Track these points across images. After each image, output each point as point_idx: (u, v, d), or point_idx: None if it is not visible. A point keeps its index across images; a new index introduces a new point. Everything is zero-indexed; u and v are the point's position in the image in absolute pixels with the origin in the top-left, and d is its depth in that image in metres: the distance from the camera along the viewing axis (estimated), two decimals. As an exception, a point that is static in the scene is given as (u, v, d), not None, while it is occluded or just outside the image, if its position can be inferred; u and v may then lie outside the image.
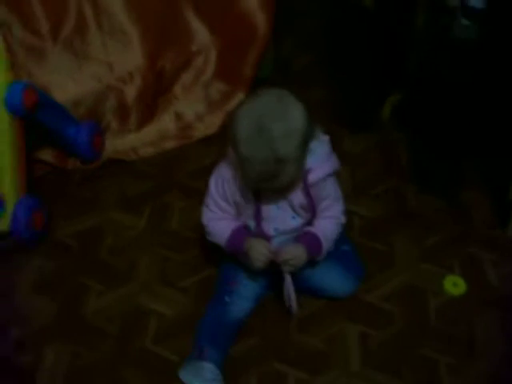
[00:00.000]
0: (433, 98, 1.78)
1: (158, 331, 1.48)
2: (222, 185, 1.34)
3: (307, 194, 1.32)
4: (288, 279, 1.38)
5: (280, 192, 1.31)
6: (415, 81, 1.88)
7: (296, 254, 1.33)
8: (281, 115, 1.19)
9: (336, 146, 1.80)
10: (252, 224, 1.37)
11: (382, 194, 1.83)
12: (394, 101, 2.00)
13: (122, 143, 2.02)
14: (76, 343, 1.46)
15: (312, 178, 1.31)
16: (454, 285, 1.56)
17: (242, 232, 1.37)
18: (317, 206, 1.36)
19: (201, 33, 2.07)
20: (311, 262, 1.39)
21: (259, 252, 1.31)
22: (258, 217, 1.34)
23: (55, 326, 1.51)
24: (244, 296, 1.43)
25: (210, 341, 1.36)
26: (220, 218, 1.38)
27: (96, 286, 1.59)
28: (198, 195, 1.50)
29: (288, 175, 1.22)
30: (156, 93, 2.05)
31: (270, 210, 1.35)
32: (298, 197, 1.33)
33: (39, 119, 1.73)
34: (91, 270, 1.64)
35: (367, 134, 2.05)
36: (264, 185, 1.25)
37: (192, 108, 2.10)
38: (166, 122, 2.08)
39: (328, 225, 1.38)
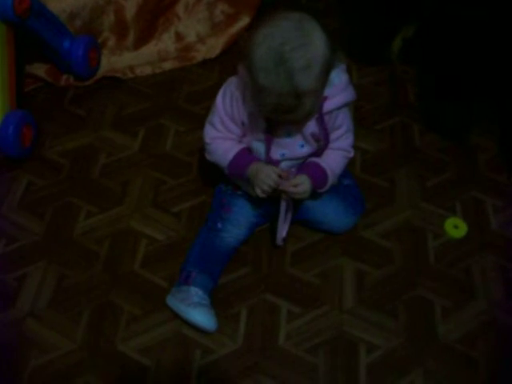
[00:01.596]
0: (447, 33, 1.68)
1: (148, 255, 1.44)
2: (230, 102, 1.25)
3: (321, 122, 1.25)
4: (284, 207, 1.32)
5: (295, 123, 1.24)
6: (430, 14, 1.78)
7: (302, 183, 1.26)
8: (302, 44, 1.08)
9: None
10: (257, 146, 1.29)
11: (386, 130, 1.76)
12: (405, 34, 1.90)
13: (118, 61, 1.92)
14: (63, 264, 1.43)
15: (327, 106, 1.23)
16: (455, 227, 1.52)
17: (247, 155, 1.29)
18: (329, 136, 1.29)
19: None
20: (313, 194, 1.33)
21: (268, 175, 1.23)
22: (268, 141, 1.26)
23: (42, 246, 1.47)
24: (237, 223, 1.38)
25: (198, 266, 1.33)
26: (224, 137, 1.29)
27: (86, 207, 1.54)
28: (195, 119, 1.44)
29: (306, 109, 1.14)
30: (157, 10, 1.93)
31: (280, 136, 1.26)
32: (310, 125, 1.25)
33: (31, 28, 1.63)
34: (82, 190, 1.58)
35: (376, 67, 1.95)
36: (279, 116, 1.17)
37: (194, 29, 1.99)
38: (165, 42, 1.97)
39: (336, 157, 1.32)
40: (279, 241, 1.39)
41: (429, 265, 1.44)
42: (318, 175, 1.29)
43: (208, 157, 1.34)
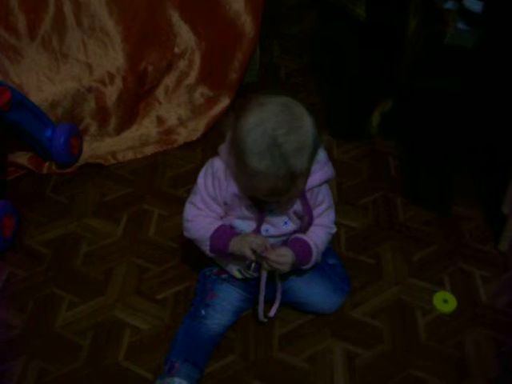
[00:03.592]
0: (424, 107, 1.72)
1: (132, 346, 1.40)
2: (211, 183, 1.25)
3: (303, 199, 1.25)
4: (264, 277, 1.30)
5: (281, 202, 1.24)
6: (406, 89, 1.82)
7: (284, 255, 1.26)
8: (294, 127, 1.10)
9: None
10: (239, 224, 1.29)
11: (369, 205, 1.76)
12: (383, 109, 1.94)
13: (100, 147, 1.94)
14: (45, 357, 1.38)
15: (309, 183, 1.23)
16: (444, 301, 1.50)
17: (229, 229, 1.28)
18: (312, 212, 1.29)
19: (185, 35, 2.00)
20: (298, 272, 1.31)
21: (255, 238, 1.24)
22: (258, 219, 1.27)
23: (23, 339, 1.42)
24: (221, 308, 1.36)
25: (181, 355, 1.29)
26: (205, 215, 1.29)
27: (68, 297, 1.51)
28: (178, 203, 1.43)
29: (299, 188, 1.17)
30: (137, 96, 1.97)
31: (267, 210, 1.27)
32: (293, 204, 1.26)
33: (12, 120, 1.65)
34: (64, 280, 1.55)
35: (356, 143, 1.98)
36: (271, 198, 1.18)
37: (175, 112, 2.02)
38: (147, 127, 2.00)
39: (319, 233, 1.32)
40: (261, 316, 1.36)
41: (420, 342, 1.41)
42: (302, 249, 1.29)
43: (187, 234, 1.33)
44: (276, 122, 1.09)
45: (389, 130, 1.96)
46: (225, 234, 1.28)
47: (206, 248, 1.31)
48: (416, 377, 1.34)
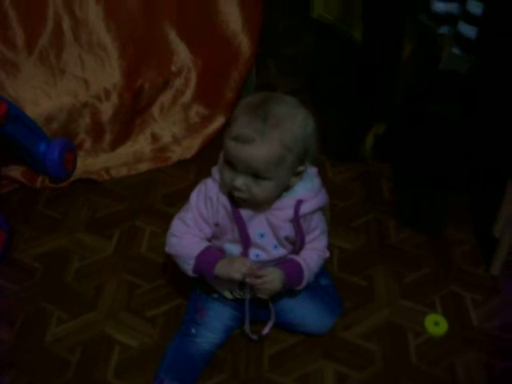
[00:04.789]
0: (417, 130, 1.73)
1: (121, 363, 1.39)
2: (204, 202, 1.25)
3: (296, 225, 1.25)
4: (247, 298, 1.31)
5: (260, 211, 1.23)
6: (399, 112, 1.84)
7: (271, 278, 1.25)
8: (289, 105, 1.16)
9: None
10: (230, 248, 1.28)
11: (362, 227, 1.76)
12: (377, 132, 1.95)
13: (94, 163, 1.94)
14: (33, 372, 1.37)
15: (303, 209, 1.24)
16: (435, 324, 1.50)
17: (215, 252, 1.28)
18: (304, 238, 1.29)
19: (182, 53, 2.01)
20: (290, 293, 1.32)
21: (241, 263, 1.23)
22: (244, 241, 1.25)
23: (12, 353, 1.41)
24: (212, 327, 1.35)
25: (171, 373, 1.29)
26: (193, 234, 1.28)
27: (58, 313, 1.50)
28: (170, 220, 1.41)
29: (266, 186, 1.15)
30: (133, 112, 1.97)
31: (253, 237, 1.26)
32: (285, 227, 1.25)
33: (8, 133, 1.65)
34: (54, 295, 1.54)
35: (349, 165, 1.99)
36: (237, 149, 1.14)
37: (169, 130, 2.03)
38: (141, 144, 2.00)
39: (312, 255, 1.31)
40: (248, 331, 1.36)
41: (411, 365, 1.41)
42: (293, 270, 1.28)
43: (170, 250, 1.31)
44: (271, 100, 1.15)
45: (382, 153, 1.98)
46: (212, 256, 1.27)
47: (189, 267, 1.29)
48: (406, 400, 1.34)
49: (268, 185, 1.16)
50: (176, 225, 1.31)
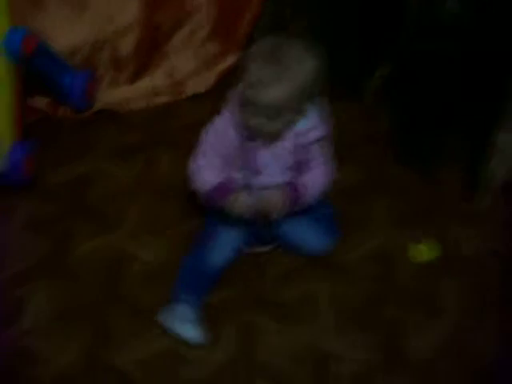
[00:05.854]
0: (421, 72, 1.84)
1: (142, 275, 1.57)
2: (214, 138, 1.40)
3: (297, 155, 1.41)
4: (268, 221, 1.46)
5: (266, 144, 1.38)
6: (406, 54, 1.94)
7: (271, 201, 1.40)
8: (299, 49, 1.29)
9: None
10: (240, 177, 1.44)
11: (362, 159, 1.91)
12: (382, 72, 2.06)
13: (114, 95, 2.06)
14: (65, 283, 1.54)
15: (303, 140, 1.39)
16: (425, 250, 1.65)
17: (227, 186, 1.42)
18: (308, 164, 1.44)
19: (200, -10, 2.10)
20: (293, 217, 1.48)
21: (243, 204, 1.39)
22: (251, 169, 1.42)
23: (45, 267, 1.58)
24: (223, 246, 1.51)
25: (187, 287, 1.46)
26: (210, 164, 1.43)
27: (85, 231, 1.66)
28: (186, 150, 1.55)
29: (280, 94, 1.26)
30: (151, 47, 2.08)
31: (260, 166, 1.42)
32: (287, 157, 1.41)
33: (36, 66, 1.77)
34: (81, 216, 1.70)
35: (354, 102, 2.10)
36: (256, 94, 1.27)
37: (186, 65, 2.14)
38: (158, 77, 2.11)
39: (312, 179, 1.45)
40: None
41: (399, 286, 1.58)
42: (292, 190, 1.42)
43: (193, 185, 1.47)
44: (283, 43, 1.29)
45: (386, 92, 2.09)
46: (225, 190, 1.41)
47: (206, 200, 1.46)
48: (394, 315, 1.52)
49: (279, 122, 1.31)
50: (192, 161, 1.46)
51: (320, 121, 1.41)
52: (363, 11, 2.02)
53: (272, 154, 1.40)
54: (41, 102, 1.99)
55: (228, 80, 2.08)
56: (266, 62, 1.25)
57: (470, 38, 1.51)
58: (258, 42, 1.32)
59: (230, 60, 2.16)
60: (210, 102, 2.06)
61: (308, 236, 1.57)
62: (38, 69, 1.79)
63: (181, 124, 2.00)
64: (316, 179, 1.46)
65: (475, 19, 1.50)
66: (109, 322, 1.47)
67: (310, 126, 1.39)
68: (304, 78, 1.27)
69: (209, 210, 1.55)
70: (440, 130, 1.85)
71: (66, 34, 1.95)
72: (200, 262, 1.50)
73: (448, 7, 1.50)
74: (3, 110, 1.68)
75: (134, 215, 1.71)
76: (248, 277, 1.57)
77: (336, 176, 1.75)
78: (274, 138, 1.37)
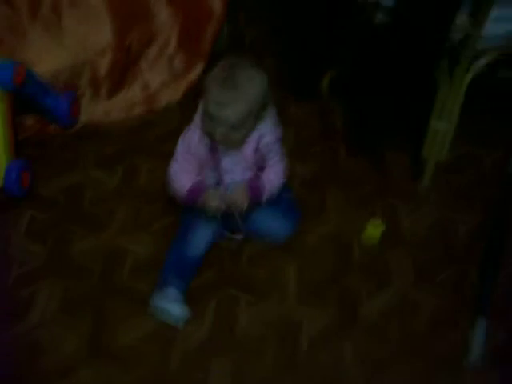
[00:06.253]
0: (361, 73, 2.10)
1: (134, 267, 1.80)
2: (188, 143, 1.65)
3: (258, 154, 1.66)
4: (236, 213, 1.70)
5: (231, 147, 1.63)
6: (348, 59, 2.21)
7: (238, 196, 1.65)
8: (248, 70, 1.54)
9: (283, 110, 2.18)
10: (213, 175, 1.69)
11: (319, 153, 2.17)
12: (332, 74, 2.33)
13: (95, 110, 2.29)
14: (66, 279, 1.75)
15: (264, 141, 1.65)
16: (375, 226, 1.90)
17: (199, 186, 1.67)
18: (266, 163, 1.70)
19: (164, 13, 2.33)
20: (258, 205, 1.73)
21: (213, 202, 1.64)
22: (219, 170, 1.67)
23: (47, 266, 1.79)
24: (200, 236, 1.75)
25: (172, 271, 1.69)
26: (184, 170, 1.68)
27: (80, 232, 1.89)
28: (163, 156, 1.78)
29: (238, 111, 1.51)
30: (125, 66, 2.31)
31: (228, 166, 1.68)
32: (251, 156, 1.67)
33: (24, 91, 1.98)
34: (76, 219, 1.93)
35: (309, 102, 2.38)
36: (218, 112, 1.51)
37: (157, 78, 2.38)
38: (134, 91, 2.35)
39: (272, 174, 1.71)
40: (243, 231, 1.78)
41: (354, 259, 1.84)
42: (254, 183, 1.68)
43: (171, 189, 1.72)
44: (236, 66, 1.54)
45: (336, 92, 2.36)
46: (198, 189, 1.66)
47: (183, 200, 1.70)
48: (350, 285, 1.77)
49: (241, 131, 1.58)
50: (171, 165, 1.70)
51: (274, 124, 1.67)
52: (313, 21, 2.27)
53: (235, 156, 1.66)
54: (31, 120, 2.21)
55: (197, 89, 2.33)
56: (222, 87, 1.50)
57: (400, 44, 1.77)
58: (215, 67, 1.56)
59: (197, 71, 2.41)
60: (182, 111, 2.32)
61: (272, 224, 1.82)
62: (26, 93, 2.01)
63: (158, 133, 2.25)
64: (274, 175, 1.71)
65: (403, 28, 1.75)
66: (107, 311, 1.68)
67: (267, 129, 1.64)
68: (256, 93, 1.53)
69: (186, 207, 1.80)
70: (384, 123, 2.11)
71: (47, 60, 2.18)
72: (182, 252, 1.74)
73: (378, 20, 1.76)
74: (-1, 133, 1.91)
75: (122, 215, 1.94)
76: (223, 261, 1.82)
77: (294, 170, 2.04)
78: (237, 145, 1.63)
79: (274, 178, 1.71)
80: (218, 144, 1.62)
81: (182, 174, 1.68)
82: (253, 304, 1.72)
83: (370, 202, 2.01)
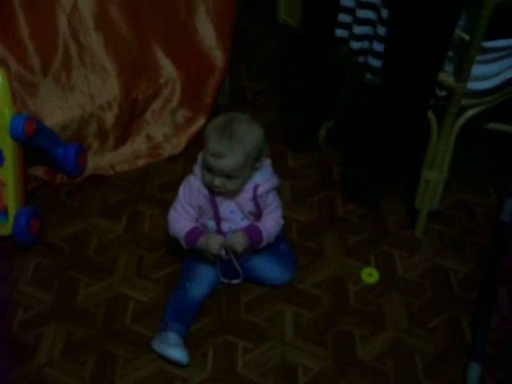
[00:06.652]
0: (355, 124, 2.19)
1: (136, 313, 1.85)
2: (188, 193, 1.74)
3: (255, 202, 1.74)
4: (233, 256, 1.78)
5: (230, 197, 1.72)
6: (342, 112, 2.31)
7: (237, 240, 1.72)
8: (245, 123, 1.64)
9: (281, 162, 2.28)
10: (209, 223, 1.77)
11: (316, 203, 2.24)
12: (327, 126, 2.43)
13: (101, 161, 2.39)
14: (70, 324, 1.81)
15: (260, 190, 1.73)
16: (369, 275, 1.97)
17: (197, 230, 1.76)
18: (262, 212, 1.78)
19: (167, 67, 2.46)
20: (256, 254, 1.81)
21: (213, 245, 1.71)
22: (217, 218, 1.75)
23: (52, 311, 1.85)
24: (200, 282, 1.82)
25: (173, 316, 1.75)
26: (183, 218, 1.77)
27: (84, 279, 1.95)
28: (165, 205, 1.87)
29: (235, 162, 1.61)
30: (130, 118, 2.42)
31: (225, 214, 1.75)
32: (247, 205, 1.74)
33: (35, 143, 2.09)
34: (80, 266, 2.00)
35: (307, 153, 2.47)
36: (214, 162, 1.61)
37: (161, 131, 2.48)
38: (138, 143, 2.46)
39: (270, 221, 1.79)
40: (241, 274, 1.83)
41: (350, 305, 1.89)
42: (254, 232, 1.76)
43: (170, 232, 1.81)
44: (232, 120, 1.63)
45: (332, 143, 2.45)
46: (195, 234, 1.75)
47: (183, 243, 1.78)
48: (345, 330, 1.82)
49: (237, 181, 1.66)
50: (170, 213, 1.80)
51: (271, 173, 1.76)
52: (308, 79, 2.38)
53: (232, 205, 1.74)
54: (39, 170, 2.31)
55: (199, 141, 2.43)
56: (220, 138, 1.60)
57: (388, 101, 1.87)
58: (214, 119, 1.67)
59: (199, 123, 2.50)
60: (184, 161, 2.42)
61: (270, 270, 1.89)
62: (36, 144, 2.11)
63: (160, 183, 2.33)
64: (272, 221, 1.79)
65: (391, 87, 1.85)
66: (111, 352, 1.75)
67: (264, 178, 1.73)
68: (252, 144, 1.62)
69: (187, 253, 1.87)
70: (378, 174, 2.19)
71: (57, 113, 2.29)
72: (183, 296, 1.80)
73: (367, 80, 1.86)
74: (9, 182, 2.00)
75: (125, 263, 2.01)
76: (221, 308, 1.88)
77: (292, 219, 2.11)
78: (235, 193, 1.71)
79: (271, 223, 1.79)
80: (215, 193, 1.70)
81: (182, 218, 1.77)
82: (251, 350, 1.77)
83: (365, 249, 2.08)
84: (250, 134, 1.62)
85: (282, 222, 1.83)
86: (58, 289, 1.94)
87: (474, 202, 2.27)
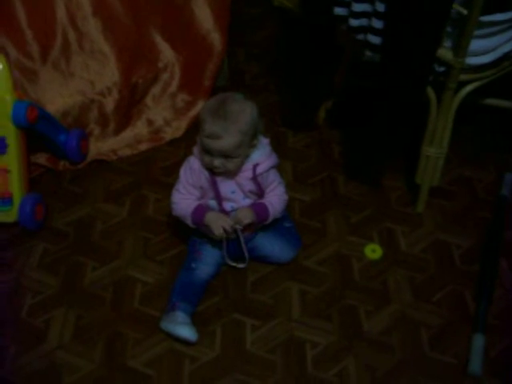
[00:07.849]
0: (355, 102, 2.20)
1: (143, 295, 1.88)
2: (189, 173, 1.76)
3: (255, 182, 1.76)
4: (240, 233, 1.78)
5: (230, 177, 1.74)
6: (342, 90, 2.32)
7: (242, 213, 1.75)
8: (238, 103, 1.65)
9: (282, 143, 2.28)
10: (211, 203, 1.79)
11: (318, 183, 2.26)
12: (327, 106, 2.44)
13: (103, 146, 2.40)
14: (79, 307, 1.84)
15: (259, 169, 1.75)
16: (373, 251, 1.99)
17: (202, 208, 1.78)
18: (264, 190, 1.80)
19: (166, 52, 2.47)
20: (261, 233, 1.84)
21: (218, 223, 1.74)
22: (218, 198, 1.77)
23: (60, 296, 1.87)
24: (206, 262, 1.85)
25: (180, 296, 1.77)
26: (186, 198, 1.79)
27: (91, 263, 1.97)
28: (168, 188, 1.88)
29: (231, 142, 1.63)
30: (130, 103, 2.43)
31: (226, 194, 1.77)
32: (248, 184, 1.76)
33: (37, 129, 2.10)
34: (86, 251, 2.02)
35: (307, 133, 2.48)
36: (212, 144, 1.63)
37: (161, 115, 2.50)
38: (139, 128, 2.47)
39: (274, 197, 1.81)
40: (246, 258, 1.84)
41: (354, 281, 1.91)
42: (259, 206, 1.79)
43: (174, 213, 1.83)
44: (226, 99, 1.66)
45: (332, 122, 2.47)
46: (200, 211, 1.77)
47: (189, 222, 1.80)
48: (351, 305, 1.84)
49: (236, 160, 1.68)
50: (173, 194, 1.82)
51: (270, 152, 1.77)
52: (310, 59, 2.38)
53: (232, 185, 1.76)
54: (42, 158, 2.32)
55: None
56: (214, 119, 1.62)
57: (388, 77, 1.88)
58: (207, 102, 1.69)
59: (199, 107, 2.50)
60: (185, 144, 2.43)
61: (275, 247, 1.91)
62: (38, 130, 2.12)
63: (162, 166, 2.35)
64: (276, 197, 1.81)
65: (390, 63, 1.86)
66: (120, 334, 1.77)
67: (263, 157, 1.75)
68: (247, 122, 1.64)
69: (193, 234, 1.89)
70: (379, 151, 2.20)
71: (57, 100, 2.30)
72: (190, 276, 1.82)
73: (366, 57, 1.87)
74: (13, 169, 2.01)
75: (131, 246, 2.03)
76: (229, 284, 1.90)
77: (295, 198, 2.13)
78: (235, 173, 1.73)
79: (275, 199, 1.81)
80: (215, 174, 1.72)
81: (185, 199, 1.79)
82: (258, 327, 1.79)
83: (368, 225, 2.10)
84: (243, 112, 1.64)
85: (285, 197, 1.85)
86: (65, 273, 1.96)
87: (475, 178, 2.29)
